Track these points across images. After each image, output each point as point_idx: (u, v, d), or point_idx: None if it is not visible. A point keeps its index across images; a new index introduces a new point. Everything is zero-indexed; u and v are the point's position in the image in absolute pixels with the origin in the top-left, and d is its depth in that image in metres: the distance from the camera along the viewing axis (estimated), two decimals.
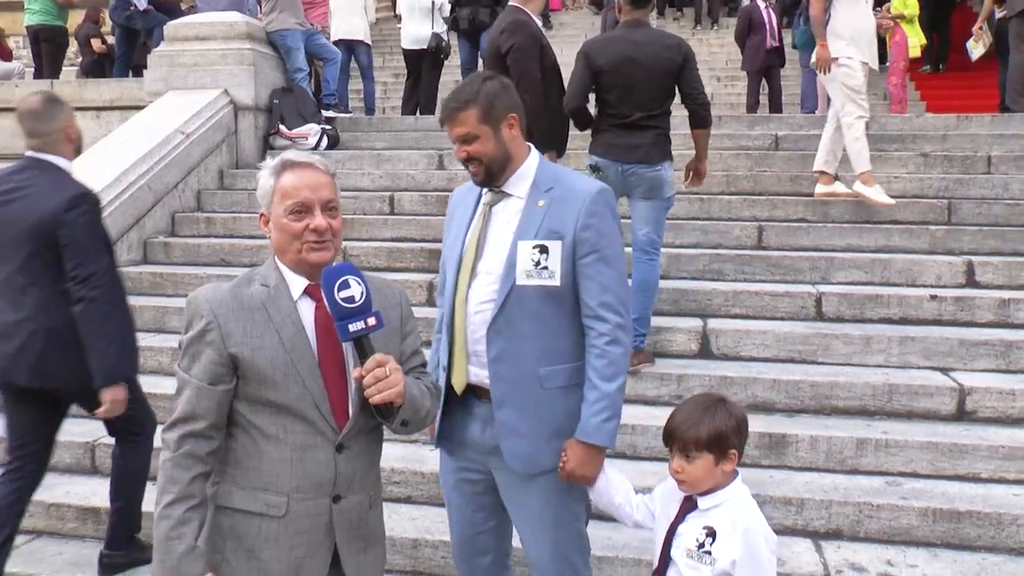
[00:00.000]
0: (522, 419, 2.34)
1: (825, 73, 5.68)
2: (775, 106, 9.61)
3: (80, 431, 4.37)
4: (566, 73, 4.73)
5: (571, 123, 4.73)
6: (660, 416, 4.08)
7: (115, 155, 6.20)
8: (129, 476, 3.54)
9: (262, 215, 1.96)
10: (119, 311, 3.33)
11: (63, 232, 3.11)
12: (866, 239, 5.57)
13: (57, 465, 4.21)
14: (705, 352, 4.63)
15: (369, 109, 9.71)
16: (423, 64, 9.31)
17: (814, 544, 3.51)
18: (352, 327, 1.78)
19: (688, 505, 2.23)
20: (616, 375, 2.32)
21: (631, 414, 4.19)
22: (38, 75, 9.61)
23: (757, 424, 4.03)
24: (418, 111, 9.25)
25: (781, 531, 3.55)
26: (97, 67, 9.71)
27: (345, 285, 1.79)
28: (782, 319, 4.84)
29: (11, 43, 10.53)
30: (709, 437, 2.16)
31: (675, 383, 4.35)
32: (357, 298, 1.79)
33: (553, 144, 4.55)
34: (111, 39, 9.71)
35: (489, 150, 2.38)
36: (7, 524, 3.34)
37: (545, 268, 2.30)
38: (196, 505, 1.84)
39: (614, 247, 2.37)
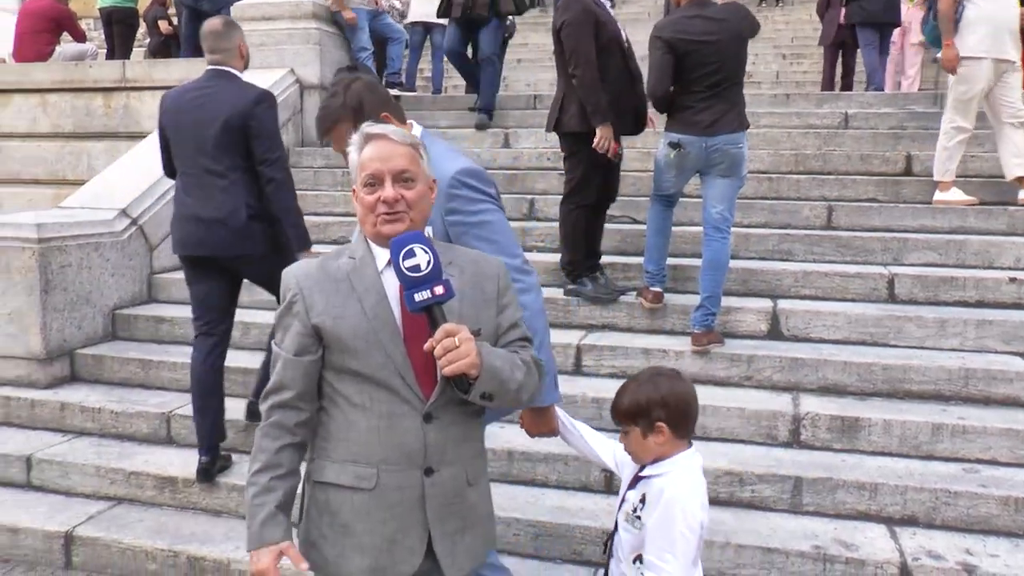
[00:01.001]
0: None
1: (953, 74, 5.51)
2: (846, 84, 9.37)
3: (157, 402, 4.51)
4: (638, 50, 4.69)
5: (629, 100, 4.70)
6: (729, 397, 4.11)
7: None
8: None
9: (353, 190, 1.96)
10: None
11: (252, 124, 3.75)
12: (940, 220, 5.41)
13: (135, 435, 4.39)
14: (775, 333, 4.57)
15: (436, 88, 9.73)
16: None
17: (888, 530, 3.45)
18: (418, 296, 1.73)
19: (638, 473, 2.33)
20: (535, 331, 2.24)
21: (700, 394, 4.12)
22: (110, 56, 9.82)
23: (829, 407, 3.99)
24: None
25: (855, 516, 3.53)
26: (164, 48, 9.86)
27: (410, 254, 1.74)
28: (853, 300, 4.74)
29: (84, 25, 10.75)
30: (628, 409, 2.27)
31: (745, 364, 4.30)
32: (423, 267, 1.74)
33: (610, 117, 4.53)
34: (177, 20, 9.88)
35: None
36: (216, 390, 3.92)
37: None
38: (282, 475, 1.88)
39: (485, 216, 2.33)
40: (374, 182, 1.86)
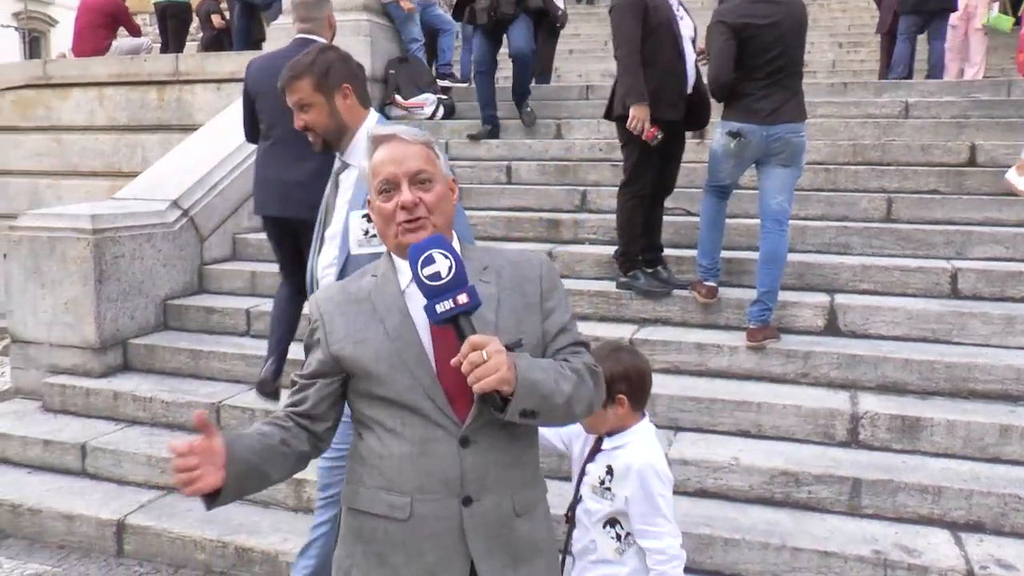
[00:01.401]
0: None
1: None
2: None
3: (207, 392, 4.55)
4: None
5: (682, 84, 4.62)
6: (785, 394, 4.01)
7: (234, 127, 6.33)
8: None
9: (368, 202, 1.82)
10: None
11: None
12: (1007, 212, 5.20)
13: (185, 424, 4.43)
14: (832, 328, 4.43)
15: None
16: (539, 33, 9.18)
17: (953, 536, 3.31)
18: (440, 307, 1.56)
19: (597, 446, 2.45)
20: None
21: (755, 391, 4.07)
22: (164, 50, 9.95)
23: (888, 406, 3.85)
24: (533, 80, 9.14)
25: (916, 520, 3.41)
26: (216, 42, 9.96)
27: (429, 261, 1.58)
28: (914, 296, 4.57)
29: (139, 20, 10.94)
30: None
31: (801, 360, 4.18)
32: (443, 274, 1.57)
33: (645, 98, 4.45)
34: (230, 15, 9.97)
35: (323, 119, 2.64)
36: (292, 328, 4.18)
37: (374, 237, 2.33)
38: (265, 433, 1.76)
39: None
40: (389, 187, 1.73)
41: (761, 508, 3.55)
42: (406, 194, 1.70)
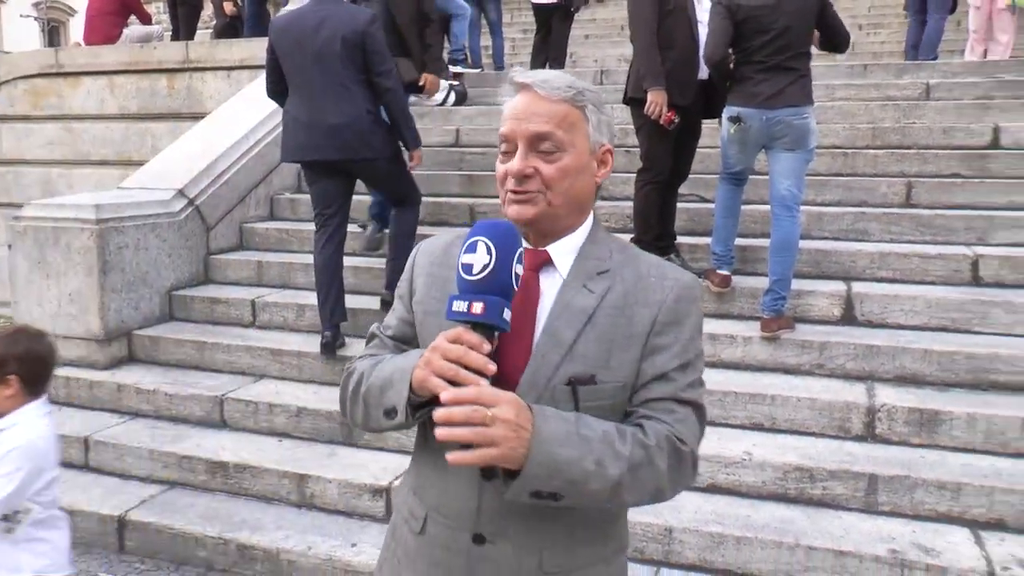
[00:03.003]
0: None
1: None
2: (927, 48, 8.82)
3: (210, 384, 4.49)
4: None
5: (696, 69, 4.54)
6: (799, 386, 3.89)
7: (244, 113, 6.28)
8: (403, 234, 4.61)
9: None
10: None
11: (368, 41, 4.30)
12: None
13: (188, 417, 4.38)
14: (849, 318, 4.30)
15: (498, 65, 9.54)
16: (553, 18, 9.04)
17: (973, 534, 3.20)
18: (455, 305, 1.27)
19: None
20: None
21: (769, 383, 3.96)
22: (175, 37, 9.87)
23: (906, 398, 3.73)
24: (547, 65, 9.01)
25: (935, 518, 3.30)
26: (230, 29, 9.86)
27: (472, 248, 1.28)
28: (934, 284, 4.43)
29: (151, 8, 10.88)
30: None
31: (816, 351, 4.06)
32: (475, 269, 1.26)
33: (662, 82, 4.39)
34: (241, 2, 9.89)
35: None
36: (336, 275, 4.44)
37: None
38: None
39: None
40: (507, 147, 1.40)
41: (774, 504, 3.45)
42: (517, 161, 1.37)
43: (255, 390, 4.42)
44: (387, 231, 5.22)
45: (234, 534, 3.58)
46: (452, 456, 1.20)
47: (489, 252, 1.26)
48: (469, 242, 1.29)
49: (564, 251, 1.43)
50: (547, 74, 1.42)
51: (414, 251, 1.58)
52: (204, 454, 4.02)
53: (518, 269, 1.28)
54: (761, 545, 3.19)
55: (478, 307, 1.24)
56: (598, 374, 1.34)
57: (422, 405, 1.30)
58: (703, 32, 4.46)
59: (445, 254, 1.50)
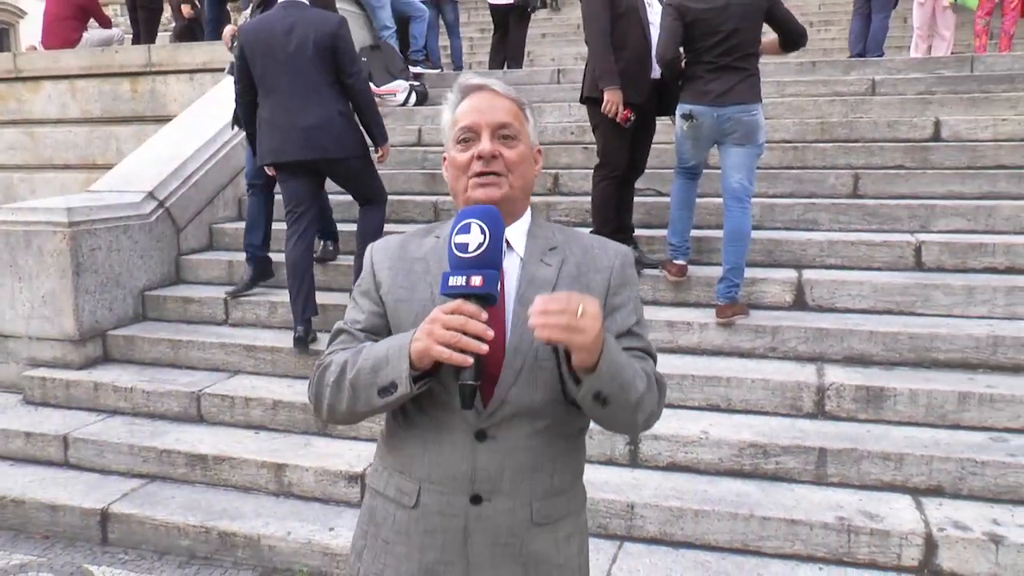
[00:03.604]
0: None
1: None
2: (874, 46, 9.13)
3: (187, 381, 4.59)
4: None
5: (648, 69, 4.72)
6: (754, 369, 4.11)
7: (209, 115, 6.35)
8: (371, 232, 4.69)
9: (444, 158, 1.67)
10: None
11: (340, 44, 4.50)
12: (969, 185, 5.33)
13: (166, 413, 4.48)
14: (800, 303, 4.53)
15: (457, 65, 9.69)
16: (510, 18, 9.21)
17: (914, 501, 3.43)
18: (452, 280, 1.40)
19: None
20: None
21: (725, 366, 4.17)
22: (136, 41, 9.87)
23: (854, 377, 3.96)
24: (505, 64, 9.19)
25: (880, 487, 3.52)
26: (188, 32, 9.87)
27: (464, 229, 1.42)
28: (879, 269, 4.69)
29: (110, 12, 10.84)
30: None
31: (769, 335, 4.28)
32: (471, 247, 1.40)
33: (618, 81, 4.56)
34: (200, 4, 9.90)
35: None
36: (307, 270, 4.59)
37: None
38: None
39: None
40: (469, 136, 1.55)
41: (731, 480, 3.65)
42: (485, 143, 1.53)
43: (230, 385, 4.53)
44: (331, 247, 5.34)
45: (215, 523, 3.70)
46: (552, 333, 1.30)
47: (483, 232, 1.41)
48: (462, 224, 1.43)
49: (518, 233, 1.60)
50: (492, 79, 1.63)
51: (368, 251, 1.70)
52: (183, 448, 4.12)
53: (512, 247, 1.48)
54: (718, 517, 3.39)
55: (477, 280, 1.38)
56: None
57: (420, 377, 1.43)
58: (654, 33, 4.65)
59: (402, 249, 1.64)
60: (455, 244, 1.42)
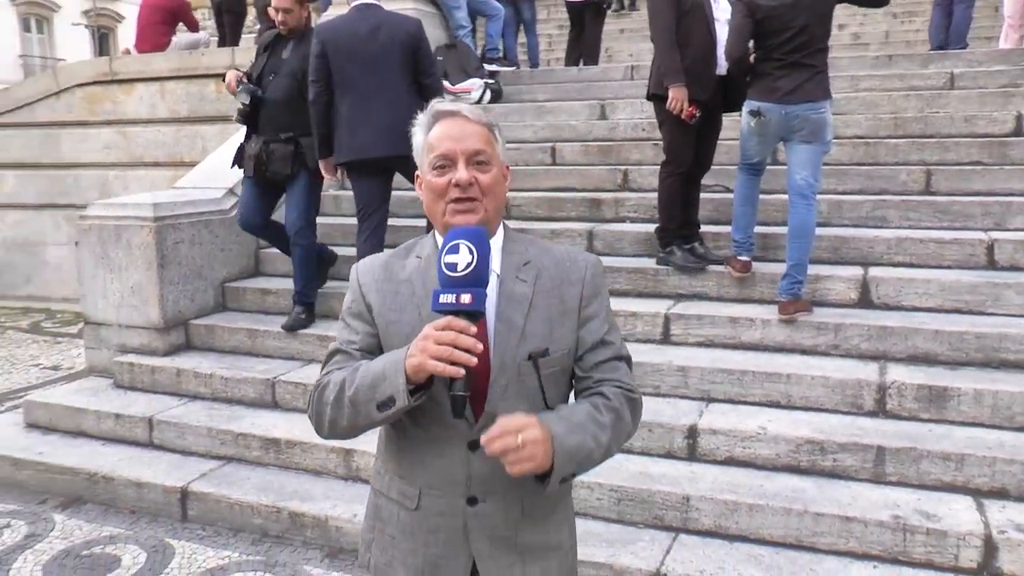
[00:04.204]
0: None
1: None
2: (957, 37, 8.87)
3: (263, 369, 4.81)
4: None
5: (714, 65, 4.73)
6: (814, 366, 4.10)
7: None
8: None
9: (416, 177, 1.76)
10: None
11: (421, 45, 4.80)
12: None
13: (243, 399, 4.71)
14: (865, 301, 4.49)
15: (533, 63, 9.81)
16: (586, 16, 9.28)
17: (975, 502, 3.39)
18: (442, 298, 1.49)
19: None
20: None
21: (786, 363, 4.17)
22: (221, 44, 10.28)
23: (917, 376, 3.92)
24: (581, 62, 9.26)
25: (939, 487, 3.49)
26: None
27: (454, 250, 1.51)
28: (949, 267, 4.60)
29: (197, 15, 11.28)
30: None
31: (832, 332, 4.26)
32: (460, 267, 1.49)
33: (683, 78, 4.59)
34: None
35: None
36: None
37: None
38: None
39: None
40: (445, 163, 1.65)
41: (787, 476, 3.67)
42: (462, 172, 1.63)
43: (304, 373, 4.73)
44: (304, 315, 5.04)
45: (286, 503, 3.89)
46: (513, 471, 1.47)
47: (471, 252, 1.51)
48: (450, 245, 1.52)
49: (494, 250, 1.67)
50: (462, 105, 1.73)
51: (353, 272, 1.80)
52: (258, 432, 4.34)
53: (491, 265, 1.58)
54: (772, 512, 3.41)
55: (466, 298, 1.48)
56: (549, 347, 1.65)
57: (415, 390, 1.53)
58: (720, 29, 4.67)
59: (386, 270, 1.74)
60: (445, 264, 1.51)
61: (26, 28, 32.99)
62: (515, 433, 1.46)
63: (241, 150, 5.16)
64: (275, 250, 5.85)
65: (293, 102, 4.91)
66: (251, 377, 4.72)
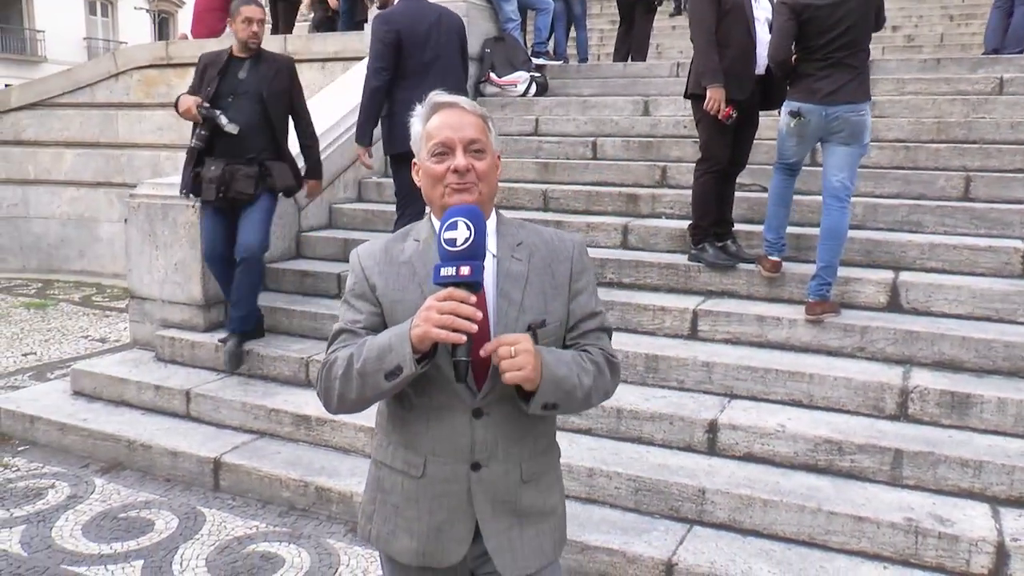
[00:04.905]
0: None
1: None
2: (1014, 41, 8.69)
3: (298, 348, 4.96)
4: None
5: (752, 65, 4.75)
6: (838, 367, 4.12)
7: (336, 101, 6.75)
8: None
9: (414, 163, 1.88)
10: None
11: (465, 37, 5.17)
12: None
13: (277, 376, 4.85)
14: (894, 305, 4.48)
15: (582, 57, 9.85)
16: (636, 11, 9.31)
17: (992, 509, 3.38)
18: (443, 271, 1.61)
19: None
20: None
21: (810, 363, 4.19)
22: (274, 31, 10.49)
23: (941, 382, 3.91)
24: (629, 57, 9.29)
25: (956, 493, 3.49)
26: (329, 23, 10.41)
27: (452, 227, 1.63)
28: (981, 275, 4.56)
29: None
30: None
31: (858, 335, 4.26)
32: (459, 242, 1.61)
33: (720, 79, 4.60)
34: None
35: None
36: None
37: None
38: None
39: None
40: (444, 151, 1.77)
41: (804, 474, 3.70)
42: (460, 159, 1.76)
43: None
44: (245, 344, 4.92)
45: (314, 478, 4.02)
46: (505, 377, 1.62)
47: (468, 228, 1.63)
48: (449, 222, 1.64)
49: (488, 233, 1.78)
50: (459, 97, 1.85)
51: (354, 256, 1.90)
52: (290, 408, 4.48)
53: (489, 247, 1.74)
54: (786, 508, 3.45)
55: (465, 270, 1.60)
56: (546, 319, 1.79)
57: (421, 359, 1.65)
58: (759, 29, 4.68)
59: (386, 254, 1.85)
60: (444, 239, 1.63)
61: (92, 11, 33.91)
62: (511, 344, 1.63)
63: (196, 176, 4.79)
64: (316, 234, 6.01)
65: (258, 126, 4.73)
66: (286, 355, 4.87)
